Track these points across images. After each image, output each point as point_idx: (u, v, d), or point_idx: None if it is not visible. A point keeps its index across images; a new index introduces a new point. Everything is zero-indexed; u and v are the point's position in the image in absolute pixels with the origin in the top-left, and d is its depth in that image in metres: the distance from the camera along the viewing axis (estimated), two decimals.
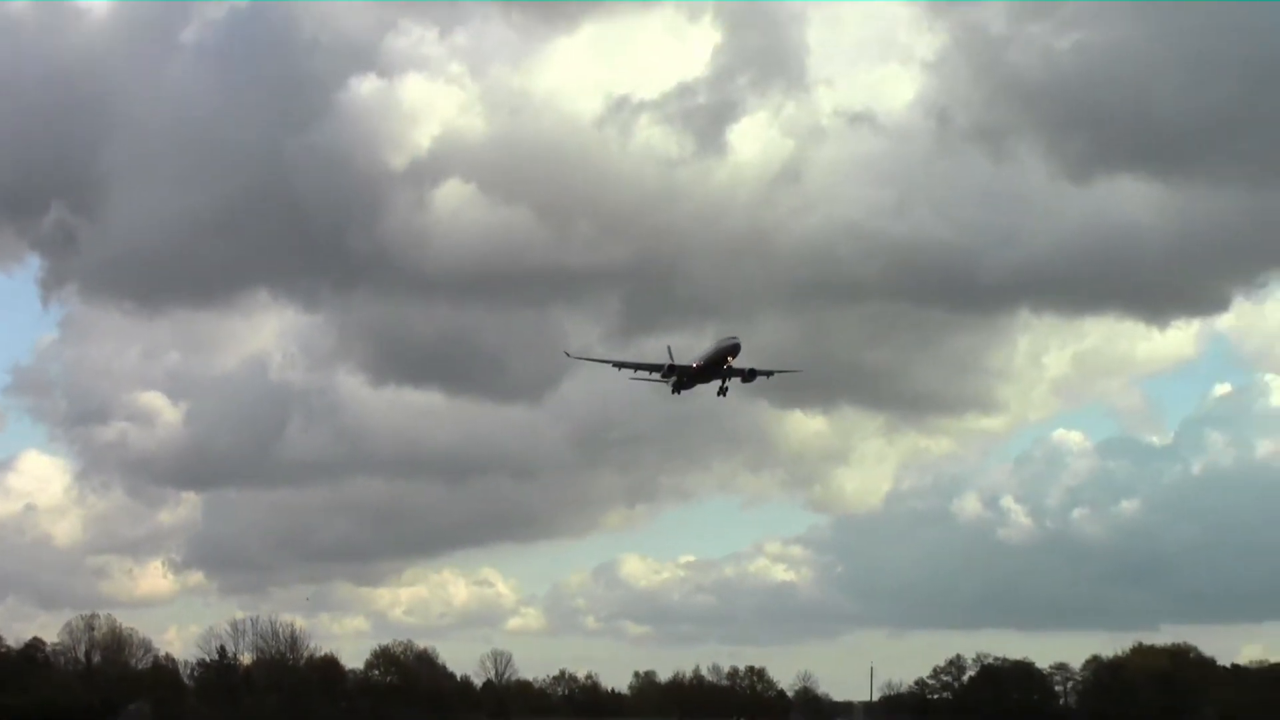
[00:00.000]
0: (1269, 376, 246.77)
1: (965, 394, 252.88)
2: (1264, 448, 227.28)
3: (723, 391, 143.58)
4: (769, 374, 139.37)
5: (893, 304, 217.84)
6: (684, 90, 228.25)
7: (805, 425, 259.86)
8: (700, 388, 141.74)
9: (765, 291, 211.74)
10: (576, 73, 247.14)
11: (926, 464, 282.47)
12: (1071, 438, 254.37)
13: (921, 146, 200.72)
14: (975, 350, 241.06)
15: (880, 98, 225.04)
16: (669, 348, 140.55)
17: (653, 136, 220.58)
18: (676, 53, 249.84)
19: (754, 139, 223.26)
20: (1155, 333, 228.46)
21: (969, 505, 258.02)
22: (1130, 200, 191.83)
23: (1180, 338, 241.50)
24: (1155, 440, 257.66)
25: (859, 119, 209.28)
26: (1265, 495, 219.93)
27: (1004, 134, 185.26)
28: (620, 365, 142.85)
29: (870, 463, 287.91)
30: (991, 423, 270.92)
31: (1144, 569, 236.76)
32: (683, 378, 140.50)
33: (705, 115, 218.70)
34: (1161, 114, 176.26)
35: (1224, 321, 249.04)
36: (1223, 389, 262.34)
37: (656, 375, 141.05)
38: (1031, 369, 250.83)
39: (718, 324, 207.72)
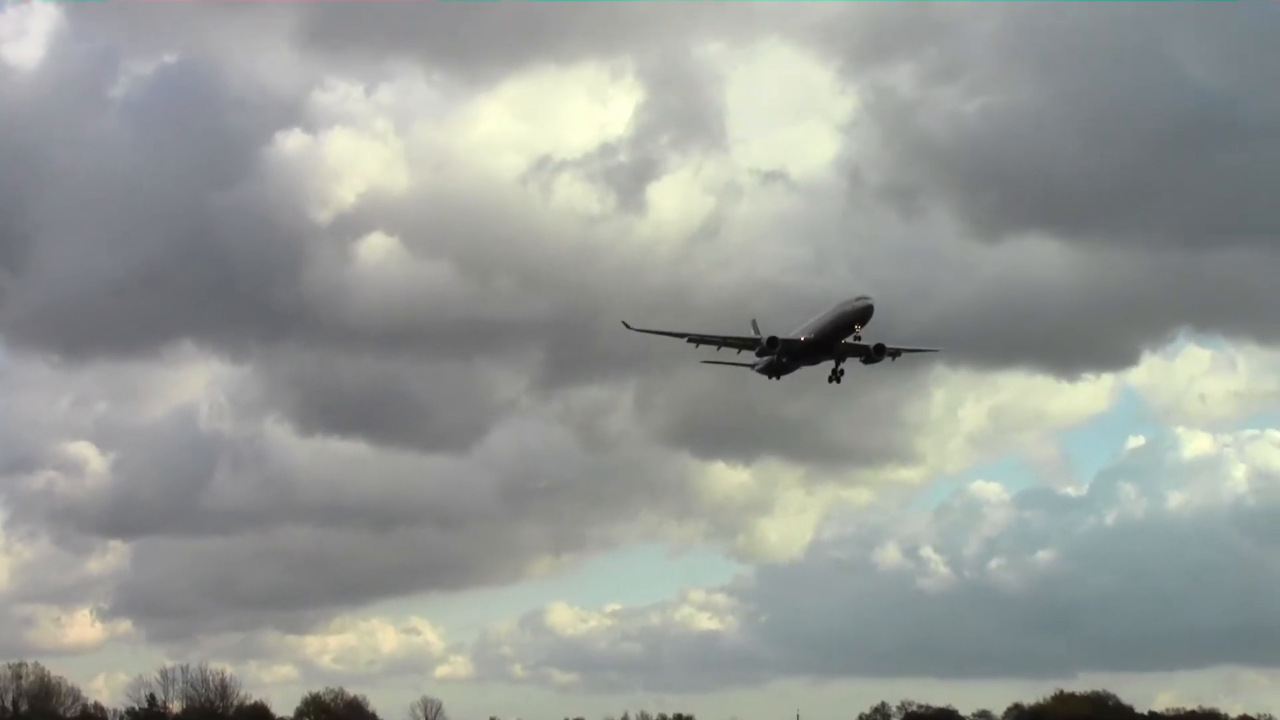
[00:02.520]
0: (1180, 429, 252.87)
1: (884, 446, 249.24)
2: (1175, 499, 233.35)
3: (836, 376, 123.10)
4: (896, 353, 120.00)
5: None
6: (606, 149, 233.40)
7: (728, 476, 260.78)
8: (805, 372, 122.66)
9: (684, 345, 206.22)
10: (499, 130, 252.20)
11: (847, 514, 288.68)
12: (989, 489, 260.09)
13: (836, 205, 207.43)
14: (893, 403, 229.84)
15: (796, 157, 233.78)
16: (754, 322, 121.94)
17: (574, 193, 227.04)
18: (598, 112, 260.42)
19: (674, 196, 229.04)
20: (1068, 387, 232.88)
21: (889, 555, 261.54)
22: (1039, 258, 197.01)
23: (1093, 392, 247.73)
24: (1071, 491, 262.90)
25: (776, 178, 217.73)
26: (1177, 545, 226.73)
27: (915, 193, 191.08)
28: (699, 340, 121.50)
29: (792, 513, 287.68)
30: (910, 474, 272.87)
31: (1061, 618, 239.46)
32: (785, 356, 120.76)
33: (626, 173, 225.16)
34: (1066, 175, 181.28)
35: (1135, 376, 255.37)
36: (1135, 441, 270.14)
37: (748, 354, 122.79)
38: (948, 422, 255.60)
39: (639, 377, 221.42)
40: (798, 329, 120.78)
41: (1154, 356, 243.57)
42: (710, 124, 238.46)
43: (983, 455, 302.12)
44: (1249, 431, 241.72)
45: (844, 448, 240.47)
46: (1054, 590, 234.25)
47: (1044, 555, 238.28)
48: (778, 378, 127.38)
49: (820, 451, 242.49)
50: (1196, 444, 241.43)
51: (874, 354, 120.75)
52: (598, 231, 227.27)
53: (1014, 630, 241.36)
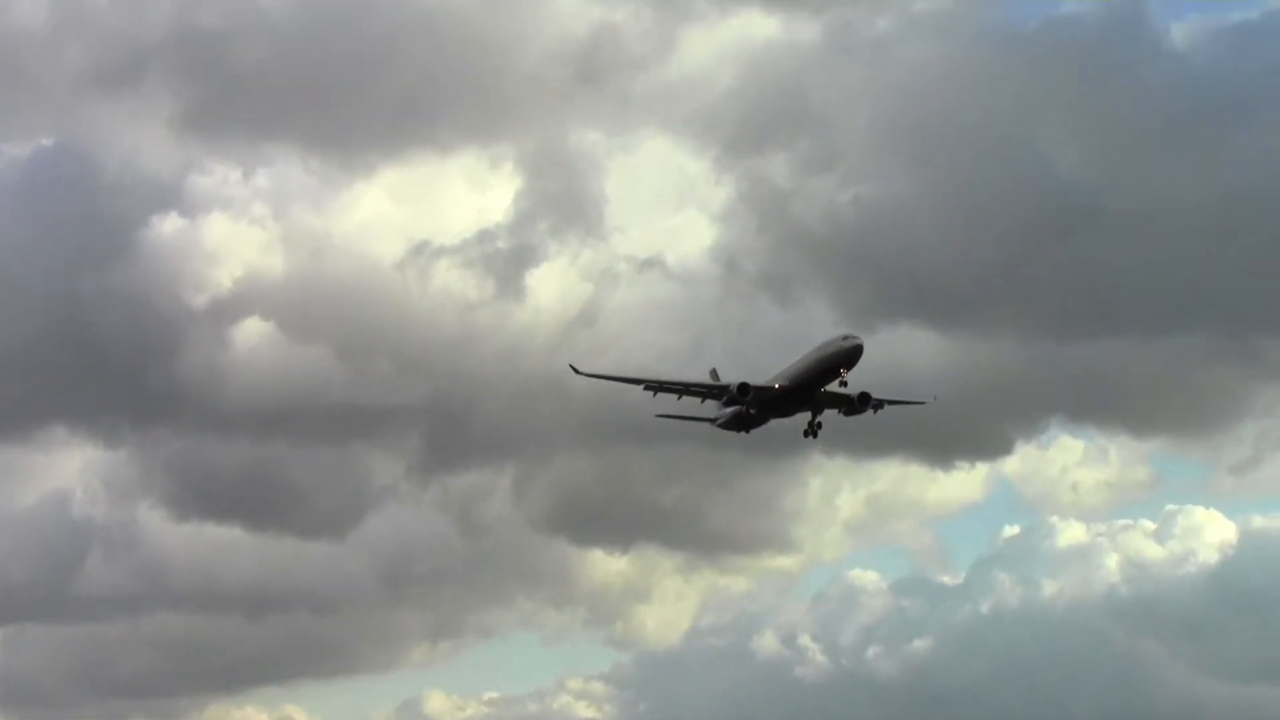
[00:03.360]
0: (1054, 519, 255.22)
1: (761, 533, 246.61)
2: (1049, 588, 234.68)
3: (813, 430, 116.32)
4: (879, 405, 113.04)
5: (688, 445, 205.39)
6: (484, 235, 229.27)
7: (606, 563, 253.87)
8: (777, 425, 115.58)
9: (562, 432, 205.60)
10: (377, 216, 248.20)
11: (725, 602, 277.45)
12: (866, 577, 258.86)
13: (712, 293, 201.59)
14: (770, 491, 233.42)
15: (674, 245, 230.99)
16: (714, 371, 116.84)
17: (452, 280, 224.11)
18: (477, 199, 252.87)
19: (552, 283, 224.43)
20: (942, 476, 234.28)
21: (767, 643, 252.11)
22: (911, 348, 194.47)
23: (968, 481, 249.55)
24: (947, 580, 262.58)
25: (653, 265, 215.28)
26: (1051, 634, 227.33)
27: (791, 282, 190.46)
28: (658, 388, 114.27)
29: (670, 600, 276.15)
30: (787, 562, 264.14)
31: (937, 705, 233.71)
32: (755, 407, 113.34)
33: (505, 260, 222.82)
34: (938, 266, 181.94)
35: (1009, 466, 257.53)
36: (1011, 530, 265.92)
37: (712, 406, 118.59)
38: (825, 510, 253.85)
39: (517, 463, 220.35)
40: (770, 377, 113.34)
41: (1028, 446, 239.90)
42: (589, 212, 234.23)
43: (860, 543, 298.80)
44: (1121, 521, 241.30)
45: (722, 535, 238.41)
46: (930, 678, 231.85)
47: (920, 643, 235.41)
48: (746, 431, 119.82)
49: (698, 539, 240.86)
50: (1070, 533, 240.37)
51: (858, 404, 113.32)
52: (476, 318, 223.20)
53: (890, 718, 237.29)
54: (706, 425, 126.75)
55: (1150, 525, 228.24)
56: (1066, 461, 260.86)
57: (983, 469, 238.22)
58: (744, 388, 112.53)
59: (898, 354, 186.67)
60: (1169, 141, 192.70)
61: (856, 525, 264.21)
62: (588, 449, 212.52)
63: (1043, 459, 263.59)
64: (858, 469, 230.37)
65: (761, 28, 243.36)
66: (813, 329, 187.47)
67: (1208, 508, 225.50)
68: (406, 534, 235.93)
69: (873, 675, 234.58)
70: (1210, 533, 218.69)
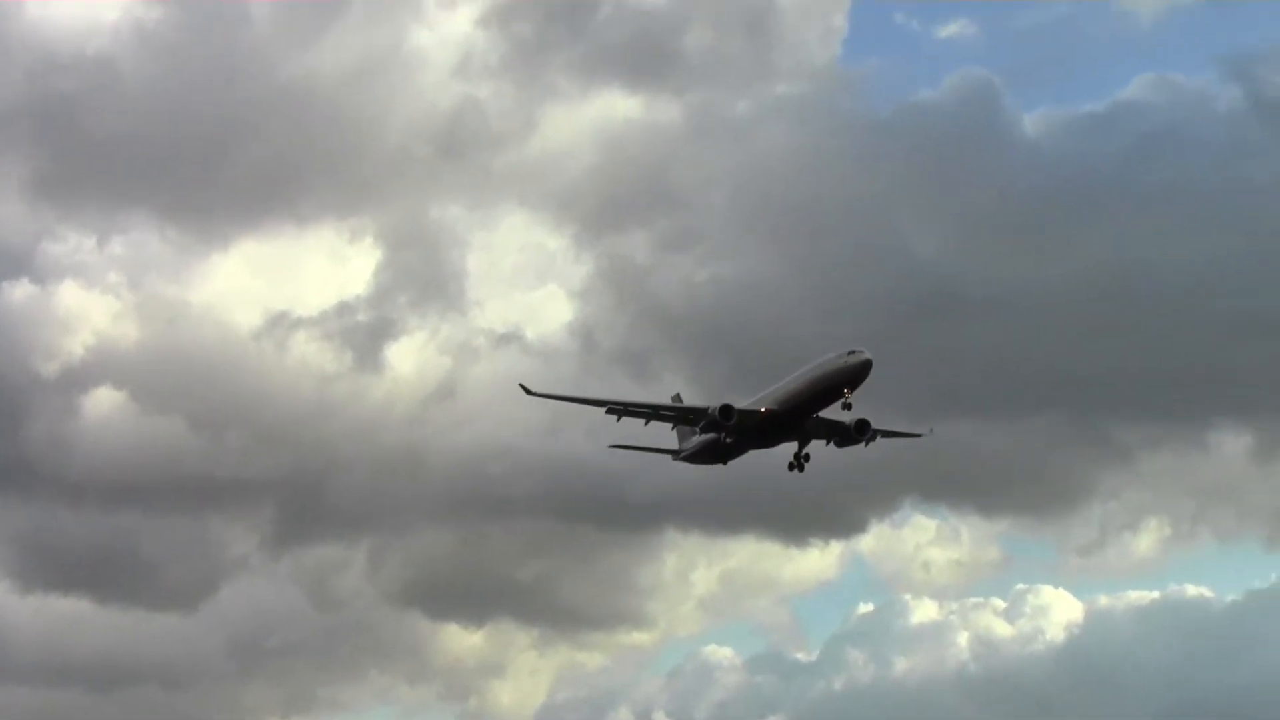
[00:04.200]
0: (907, 596, 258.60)
1: (616, 609, 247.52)
2: (902, 665, 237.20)
3: (799, 463, 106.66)
4: (873, 437, 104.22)
5: (544, 521, 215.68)
6: (343, 308, 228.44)
7: (461, 638, 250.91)
8: (758, 457, 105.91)
9: (419, 506, 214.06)
10: (235, 287, 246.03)
11: (580, 678, 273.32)
12: (721, 653, 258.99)
13: (570, 368, 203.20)
14: (625, 567, 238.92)
15: (533, 320, 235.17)
16: (678, 395, 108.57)
17: (310, 352, 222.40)
18: (337, 271, 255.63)
19: (411, 357, 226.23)
20: (797, 553, 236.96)
21: (622, 719, 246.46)
22: None
23: (822, 559, 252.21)
24: (801, 657, 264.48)
25: (511, 340, 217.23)
26: (903, 710, 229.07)
27: (648, 358, 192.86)
28: (623, 411, 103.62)
29: (525, 675, 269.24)
30: (643, 637, 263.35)
31: None
32: (736, 434, 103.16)
33: (364, 332, 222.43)
34: (793, 344, 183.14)
35: (864, 544, 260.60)
36: (864, 608, 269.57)
37: (672, 436, 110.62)
38: (680, 586, 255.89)
39: (372, 537, 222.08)
40: (756, 398, 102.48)
41: (881, 525, 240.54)
42: (448, 286, 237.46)
43: (715, 620, 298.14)
44: (973, 599, 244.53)
45: (577, 610, 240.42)
46: None
47: None
48: (724, 463, 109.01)
49: (553, 614, 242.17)
50: (923, 611, 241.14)
51: (855, 433, 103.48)
52: (333, 390, 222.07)
53: None
54: (667, 458, 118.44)
55: (1001, 604, 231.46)
56: (919, 540, 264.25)
57: (837, 547, 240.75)
58: (727, 410, 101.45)
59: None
60: (1021, 227, 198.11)
61: (712, 601, 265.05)
62: (444, 523, 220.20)
63: (896, 538, 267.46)
64: (713, 545, 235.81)
65: (623, 107, 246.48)
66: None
67: (1056, 587, 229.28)
68: (259, 607, 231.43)
69: None
70: (1058, 611, 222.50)
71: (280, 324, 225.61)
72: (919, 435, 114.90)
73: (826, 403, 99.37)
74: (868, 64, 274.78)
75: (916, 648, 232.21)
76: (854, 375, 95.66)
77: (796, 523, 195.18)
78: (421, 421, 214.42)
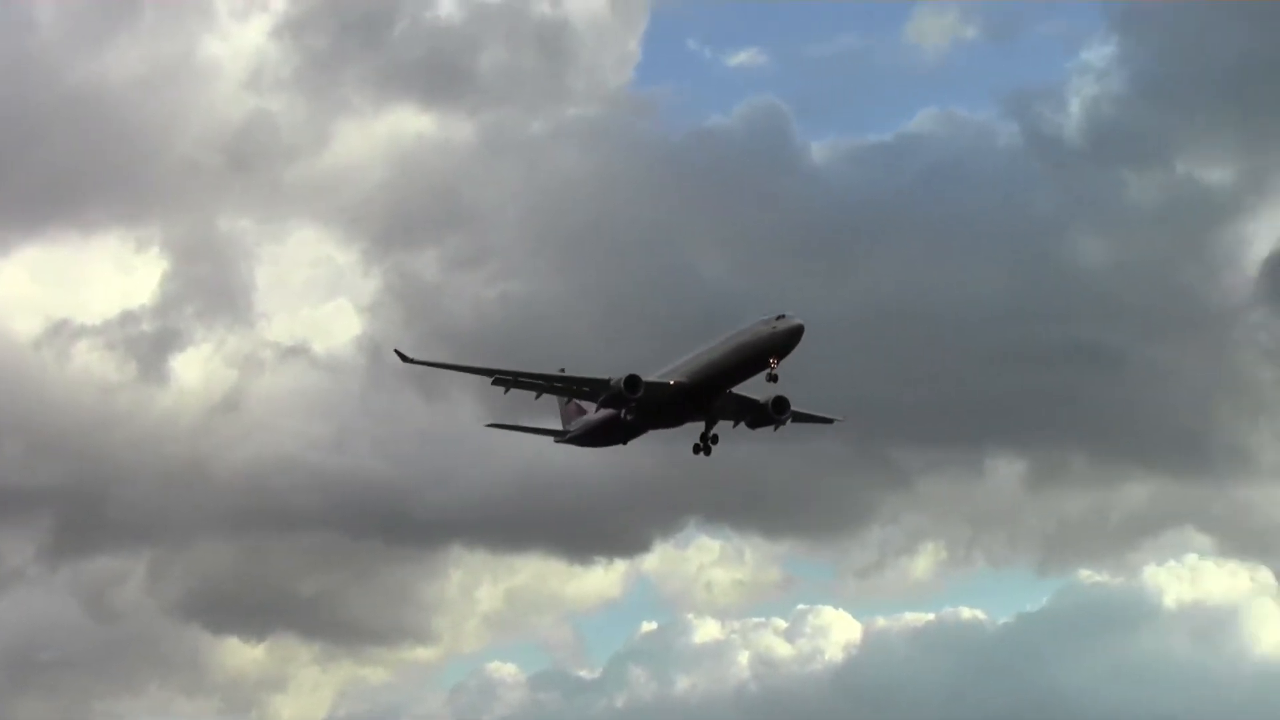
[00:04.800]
0: (690, 615, 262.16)
1: (400, 624, 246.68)
2: (684, 683, 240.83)
3: (706, 445, 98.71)
4: (788, 416, 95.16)
5: (329, 535, 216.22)
6: (127, 317, 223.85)
7: (241, 652, 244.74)
8: (660, 437, 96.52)
9: (202, 518, 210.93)
10: (15, 294, 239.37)
11: (363, 692, 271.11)
12: (505, 669, 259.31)
13: (357, 383, 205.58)
14: (410, 582, 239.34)
15: (320, 334, 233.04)
16: (562, 370, 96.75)
17: (92, 361, 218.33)
18: (122, 280, 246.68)
19: (196, 368, 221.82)
20: (581, 571, 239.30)
21: None
22: (557, 447, 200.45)
23: (606, 577, 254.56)
24: (585, 674, 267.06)
25: (299, 353, 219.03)
26: None
27: (436, 374, 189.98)
28: (513, 382, 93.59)
29: (306, 690, 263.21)
30: (426, 653, 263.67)
31: None
32: (638, 411, 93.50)
33: (148, 343, 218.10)
34: (583, 365, 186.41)
35: (648, 563, 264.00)
36: (648, 627, 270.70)
37: (559, 414, 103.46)
38: (465, 602, 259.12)
39: (152, 548, 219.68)
40: (666, 370, 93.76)
41: (666, 545, 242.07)
42: (236, 298, 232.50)
43: (499, 636, 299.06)
44: (754, 619, 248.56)
45: (360, 625, 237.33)
46: None
47: None
48: (623, 442, 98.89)
49: (336, 629, 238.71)
50: (705, 630, 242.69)
51: (773, 411, 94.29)
52: (116, 400, 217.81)
53: None
54: (549, 440, 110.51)
55: (782, 624, 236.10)
56: (703, 560, 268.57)
57: (621, 565, 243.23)
58: (633, 382, 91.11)
59: (542, 452, 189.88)
60: (807, 253, 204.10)
61: (496, 618, 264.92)
62: (228, 535, 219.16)
63: (680, 557, 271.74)
64: (499, 563, 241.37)
65: (415, 124, 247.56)
66: (459, 425, 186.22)
67: (835, 608, 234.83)
68: (34, 619, 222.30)
69: None
70: (837, 632, 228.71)
71: (61, 332, 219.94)
72: (832, 421, 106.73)
73: (747, 374, 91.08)
74: (660, 89, 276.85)
75: (698, 666, 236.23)
76: (783, 343, 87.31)
77: (582, 541, 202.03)
78: (206, 433, 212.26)
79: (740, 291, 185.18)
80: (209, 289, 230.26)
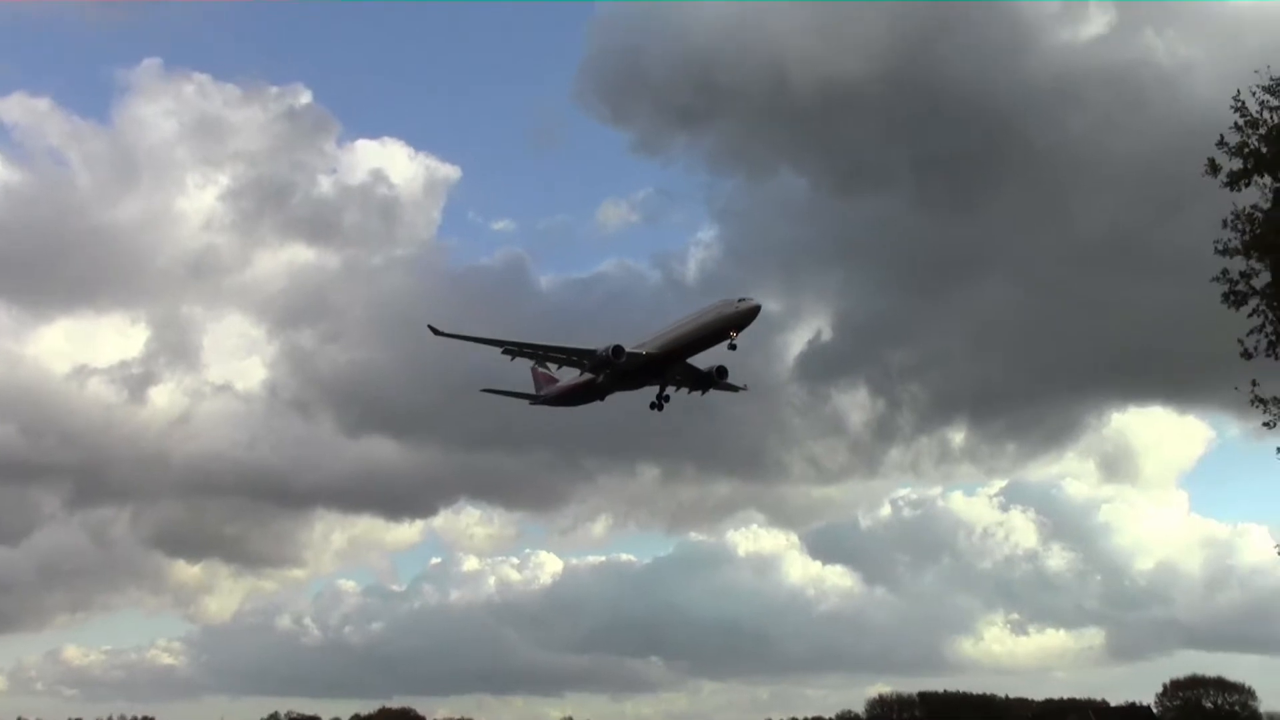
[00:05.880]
0: (460, 554, 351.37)
1: (284, 555, 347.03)
2: (455, 595, 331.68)
3: (660, 403, 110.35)
4: (724, 381, 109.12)
5: (242, 499, 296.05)
6: (124, 364, 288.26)
7: (186, 569, 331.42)
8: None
9: (165, 487, 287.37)
10: (53, 348, 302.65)
11: (260, 595, 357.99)
12: (348, 585, 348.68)
13: (263, 409, 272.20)
14: (291, 529, 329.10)
15: (241, 379, 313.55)
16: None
17: (101, 390, 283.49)
18: (121, 341, 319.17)
19: (165, 396, 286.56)
20: (395, 525, 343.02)
21: (284, 623, 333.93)
22: (384, 449, 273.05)
23: (411, 530, 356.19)
24: (395, 588, 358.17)
25: (227, 390, 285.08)
26: (455, 622, 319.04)
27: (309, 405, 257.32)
28: (518, 351, 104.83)
29: (225, 594, 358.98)
30: (300, 573, 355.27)
31: (388, 664, 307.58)
32: (616, 376, 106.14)
33: (136, 380, 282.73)
34: (394, 400, 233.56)
35: (436, 522, 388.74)
36: (435, 560, 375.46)
37: (546, 382, 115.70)
38: (324, 542, 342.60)
39: (134, 505, 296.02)
40: (641, 342, 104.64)
41: (447, 511, 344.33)
42: (190, 355, 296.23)
43: (345, 564, 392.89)
44: (499, 558, 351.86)
45: (260, 555, 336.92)
46: (383, 646, 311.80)
47: (377, 625, 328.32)
48: (601, 399, 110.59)
49: (245, 556, 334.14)
50: (469, 564, 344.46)
51: (716, 376, 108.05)
52: (114, 415, 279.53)
53: (357, 668, 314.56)
54: (525, 402, 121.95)
55: (515, 561, 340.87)
56: (469, 521, 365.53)
57: (420, 523, 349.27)
58: (618, 350, 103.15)
59: (376, 453, 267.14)
60: None
61: (343, 553, 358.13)
62: (180, 498, 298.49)
63: (456, 519, 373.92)
64: (344, 519, 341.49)
65: (303, 255, 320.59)
66: (322, 434, 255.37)
67: (548, 552, 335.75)
68: (60, 545, 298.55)
69: (347, 643, 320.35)
70: (549, 567, 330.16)
71: (82, 372, 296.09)
72: (740, 389, 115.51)
73: (709, 345, 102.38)
74: (451, 240, 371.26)
75: (464, 586, 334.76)
76: (744, 319, 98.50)
77: (396, 507, 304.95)
78: (169, 436, 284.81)
79: (489, 366, 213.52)
80: (174, 349, 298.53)
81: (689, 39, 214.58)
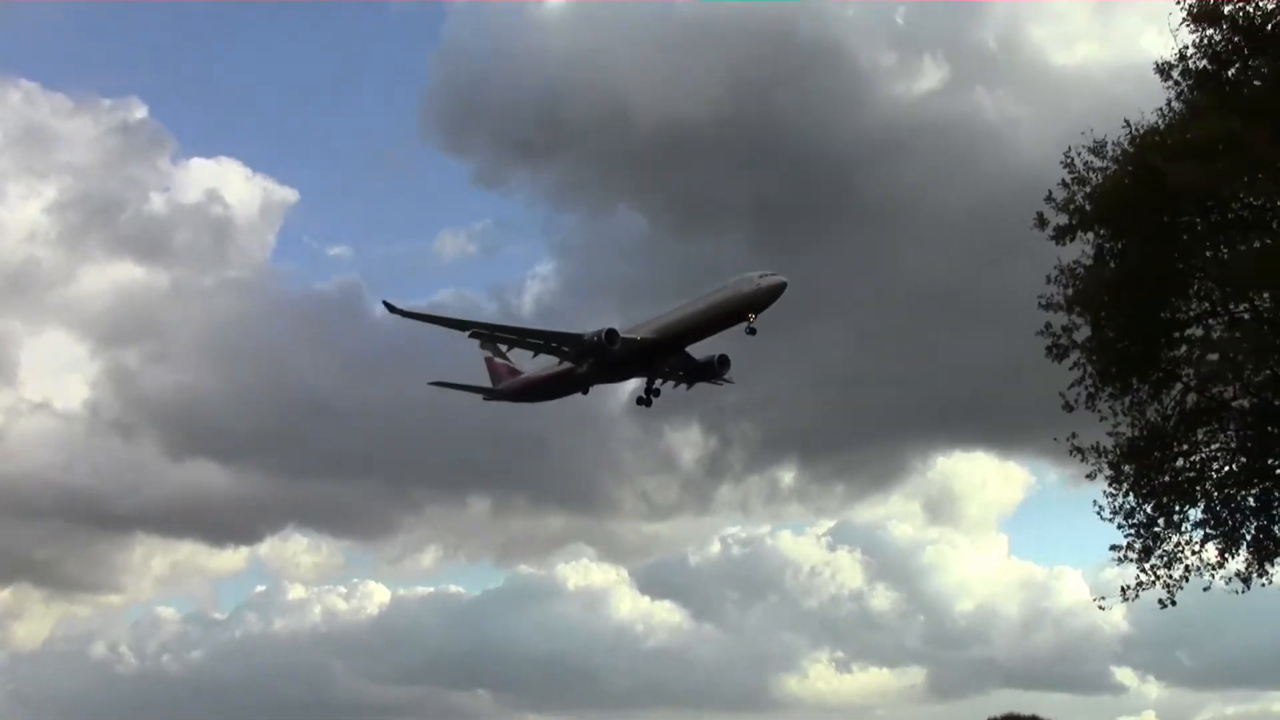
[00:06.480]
0: (285, 582, 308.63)
1: (100, 579, 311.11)
2: (279, 624, 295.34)
3: (648, 398, 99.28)
4: (727, 374, 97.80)
5: (59, 521, 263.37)
6: None
7: None
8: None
9: None
10: None
11: (75, 622, 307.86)
12: (168, 611, 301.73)
13: (83, 429, 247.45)
14: (108, 552, 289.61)
15: (61, 397, 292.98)
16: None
17: None
18: None
19: None
20: (219, 552, 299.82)
21: (98, 650, 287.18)
22: (210, 473, 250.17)
23: (235, 556, 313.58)
24: (218, 616, 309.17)
25: (46, 408, 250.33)
26: (276, 651, 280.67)
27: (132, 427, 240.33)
28: (489, 335, 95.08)
29: (36, 620, 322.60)
30: (117, 598, 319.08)
31: (209, 696, 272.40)
32: (606, 363, 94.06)
33: None
34: (221, 424, 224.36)
35: (261, 549, 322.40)
36: (260, 588, 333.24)
37: (487, 372, 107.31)
38: (143, 567, 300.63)
39: None
40: (632, 329, 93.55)
41: (273, 538, 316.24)
42: (6, 370, 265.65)
43: (164, 590, 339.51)
44: (325, 587, 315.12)
45: (74, 579, 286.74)
46: (204, 675, 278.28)
47: (197, 654, 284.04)
48: (583, 391, 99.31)
49: (58, 581, 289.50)
50: (295, 592, 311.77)
51: (718, 368, 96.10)
52: None
53: (175, 702, 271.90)
54: (479, 397, 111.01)
55: (343, 590, 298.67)
56: (296, 549, 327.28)
57: (245, 549, 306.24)
58: (613, 335, 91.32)
59: (203, 479, 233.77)
60: (365, 371, 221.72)
61: (163, 578, 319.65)
62: None
63: (282, 546, 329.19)
64: (165, 543, 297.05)
65: (131, 274, 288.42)
66: (143, 456, 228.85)
67: (376, 581, 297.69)
68: None
69: (165, 672, 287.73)
70: (376, 596, 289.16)
71: None
72: (729, 382, 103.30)
73: (720, 328, 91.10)
74: (285, 264, 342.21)
75: (289, 615, 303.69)
76: (766, 298, 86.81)
77: (220, 533, 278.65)
78: None
79: (326, 387, 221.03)
80: None
81: (534, 73, 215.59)
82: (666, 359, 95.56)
